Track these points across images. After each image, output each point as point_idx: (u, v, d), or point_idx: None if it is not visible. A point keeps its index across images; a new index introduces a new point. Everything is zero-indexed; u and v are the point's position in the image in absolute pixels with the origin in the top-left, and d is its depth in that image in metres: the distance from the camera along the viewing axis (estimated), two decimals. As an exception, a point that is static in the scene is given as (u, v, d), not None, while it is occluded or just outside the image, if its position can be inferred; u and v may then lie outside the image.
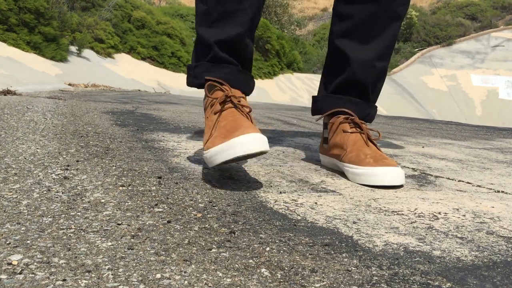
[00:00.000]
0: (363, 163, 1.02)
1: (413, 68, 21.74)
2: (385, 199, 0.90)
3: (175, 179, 0.96)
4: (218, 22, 1.00)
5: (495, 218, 0.80)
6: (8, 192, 0.78)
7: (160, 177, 0.96)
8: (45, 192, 0.80)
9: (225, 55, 1.01)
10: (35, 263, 0.51)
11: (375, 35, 1.13)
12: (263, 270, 0.53)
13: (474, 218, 0.80)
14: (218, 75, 0.99)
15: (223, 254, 0.57)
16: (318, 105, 1.22)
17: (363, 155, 1.04)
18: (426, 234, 0.69)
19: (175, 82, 13.59)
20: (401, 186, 1.02)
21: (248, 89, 1.07)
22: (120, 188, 0.86)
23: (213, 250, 0.58)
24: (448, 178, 1.16)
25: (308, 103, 6.96)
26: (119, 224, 0.65)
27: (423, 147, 1.83)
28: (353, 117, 1.12)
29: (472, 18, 24.80)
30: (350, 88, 1.16)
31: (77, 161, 1.08)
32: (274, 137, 1.77)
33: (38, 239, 0.58)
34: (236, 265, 0.54)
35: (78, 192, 0.81)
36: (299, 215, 0.75)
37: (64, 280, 0.47)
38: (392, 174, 0.98)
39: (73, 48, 11.28)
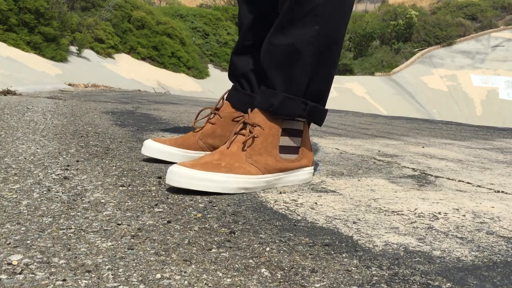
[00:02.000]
0: None
1: (413, 68, 21.73)
2: (385, 199, 0.90)
3: (175, 179, 0.96)
4: None
5: (495, 218, 0.80)
6: (8, 192, 0.78)
7: (160, 177, 0.96)
8: (45, 192, 0.80)
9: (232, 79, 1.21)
10: (35, 263, 0.51)
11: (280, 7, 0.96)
12: (263, 270, 0.53)
13: (474, 218, 0.80)
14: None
15: (223, 254, 0.57)
16: None
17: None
18: (426, 234, 0.69)
19: (175, 82, 13.59)
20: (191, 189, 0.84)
21: (241, 105, 1.16)
22: (120, 188, 0.86)
23: (213, 250, 0.58)
24: (448, 178, 1.16)
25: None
26: (119, 224, 0.65)
27: (423, 147, 1.83)
28: (242, 116, 1.01)
29: (472, 18, 24.79)
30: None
31: (77, 161, 1.08)
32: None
33: (38, 239, 0.58)
34: (236, 265, 0.54)
35: (78, 192, 0.81)
36: (299, 215, 0.75)
37: (64, 280, 0.47)
38: (169, 173, 0.85)
39: (73, 48, 11.29)
